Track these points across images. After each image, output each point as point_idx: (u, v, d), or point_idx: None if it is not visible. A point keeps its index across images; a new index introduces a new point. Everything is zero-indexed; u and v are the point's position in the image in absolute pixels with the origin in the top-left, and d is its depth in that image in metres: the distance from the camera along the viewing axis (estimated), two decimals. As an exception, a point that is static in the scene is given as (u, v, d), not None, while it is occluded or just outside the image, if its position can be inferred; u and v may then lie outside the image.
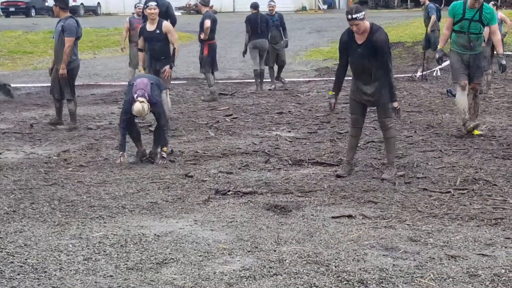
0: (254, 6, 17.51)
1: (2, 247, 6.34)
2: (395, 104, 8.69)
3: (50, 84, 13.24)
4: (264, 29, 17.37)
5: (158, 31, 12.54)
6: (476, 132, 11.28)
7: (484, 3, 10.97)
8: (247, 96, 16.51)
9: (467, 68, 11.09)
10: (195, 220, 7.19)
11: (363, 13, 8.48)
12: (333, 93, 9.02)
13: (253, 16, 17.32)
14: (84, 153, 10.55)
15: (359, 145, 9.67)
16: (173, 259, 6.03)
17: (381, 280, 5.47)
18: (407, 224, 6.98)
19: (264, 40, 17.44)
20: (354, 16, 8.41)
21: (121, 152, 9.80)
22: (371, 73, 8.67)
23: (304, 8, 55.72)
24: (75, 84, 12.77)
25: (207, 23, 15.92)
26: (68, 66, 12.31)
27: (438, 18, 19.71)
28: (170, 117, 13.08)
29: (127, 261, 6.00)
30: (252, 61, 17.61)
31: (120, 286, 5.42)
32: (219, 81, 18.11)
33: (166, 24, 12.69)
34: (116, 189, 8.51)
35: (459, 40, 11.06)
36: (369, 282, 5.43)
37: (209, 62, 16.16)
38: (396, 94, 8.84)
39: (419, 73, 19.58)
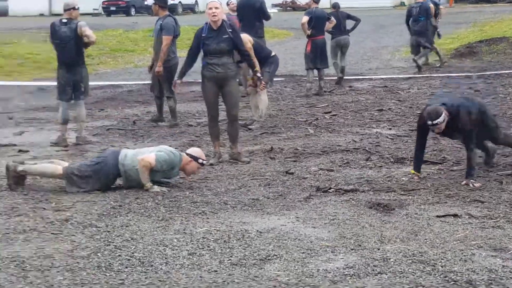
0: (334, 6, 18.34)
1: (110, 240, 6.50)
2: (464, 182, 8.36)
3: (150, 82, 13.48)
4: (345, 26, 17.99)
5: None
6: None
7: None
8: (346, 93, 16.43)
9: None
10: (297, 217, 7.21)
11: (443, 115, 8.15)
12: (414, 172, 8.71)
13: (333, 14, 17.45)
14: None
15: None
16: (276, 255, 6.06)
17: (490, 282, 5.37)
18: (515, 224, 6.83)
19: (346, 37, 17.84)
20: (435, 122, 8.15)
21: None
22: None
23: (402, 4, 55.03)
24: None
25: (303, 19, 16.00)
26: (166, 64, 12.50)
27: None
28: (268, 115, 13.15)
29: (231, 256, 6.06)
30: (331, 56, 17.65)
31: (224, 281, 5.48)
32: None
33: None
34: (218, 185, 8.61)
35: None
36: (478, 283, 5.34)
37: (311, 58, 16.18)
38: (472, 174, 8.40)
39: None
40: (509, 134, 9.37)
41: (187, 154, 8.52)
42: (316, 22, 16.16)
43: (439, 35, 21.38)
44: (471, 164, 8.36)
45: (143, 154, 8.33)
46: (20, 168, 8.37)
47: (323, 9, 17.28)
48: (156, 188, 8.29)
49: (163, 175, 8.42)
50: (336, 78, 18.00)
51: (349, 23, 18.25)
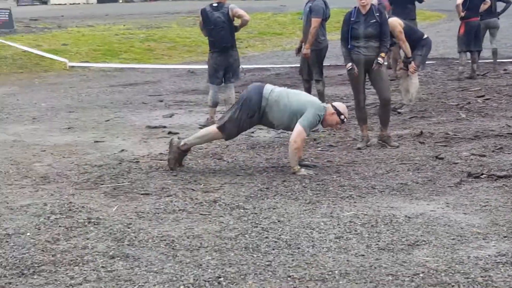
0: None
1: (257, 222, 6.56)
2: None
3: (298, 65, 13.50)
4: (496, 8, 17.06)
5: None
6: None
7: None
8: (500, 77, 15.93)
9: None
10: (447, 203, 7.04)
11: None
12: None
13: None
14: (333, 133, 10.65)
15: None
16: (425, 241, 5.94)
17: None
18: None
19: (496, 20, 17.04)
20: None
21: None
22: None
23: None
24: (324, 65, 12.90)
25: (458, 0, 15.59)
26: (316, 46, 12.44)
27: None
28: (418, 98, 12.91)
29: (378, 241, 5.99)
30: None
31: (372, 266, 5.42)
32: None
33: None
34: (366, 169, 8.53)
35: None
36: None
37: (464, 41, 15.77)
38: None
39: None
40: None
41: (332, 106, 8.52)
42: (471, 3, 15.70)
43: None
44: None
45: (291, 106, 8.37)
46: (182, 143, 8.57)
47: None
48: (304, 171, 8.30)
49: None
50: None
51: (500, 6, 17.61)
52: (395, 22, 11.64)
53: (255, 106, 8.43)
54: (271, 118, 8.46)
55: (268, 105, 8.41)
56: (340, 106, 8.63)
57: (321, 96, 12.76)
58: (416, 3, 16.30)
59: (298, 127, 8.28)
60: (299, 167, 8.31)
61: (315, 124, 8.42)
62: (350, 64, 9.59)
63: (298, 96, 8.56)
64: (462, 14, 15.73)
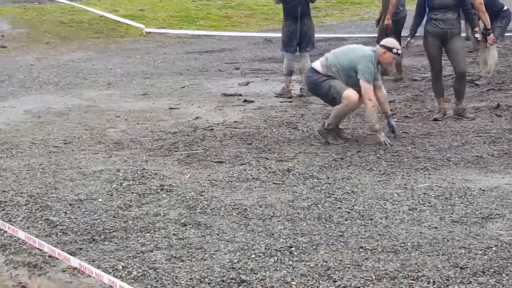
0: None
1: (330, 192, 6.59)
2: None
3: (376, 35, 13.39)
4: None
5: None
6: None
7: None
8: None
9: None
10: (523, 177, 6.96)
11: None
12: None
13: None
14: (409, 104, 10.59)
15: None
16: (499, 214, 5.90)
17: None
18: None
19: None
20: None
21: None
22: None
23: None
24: (402, 35, 12.78)
25: None
26: (395, 16, 12.33)
27: None
28: (496, 71, 12.68)
29: (452, 213, 5.97)
30: None
31: (444, 238, 5.41)
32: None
33: None
34: (441, 141, 8.46)
35: None
36: None
37: None
38: None
39: None
40: None
41: (381, 46, 8.49)
42: None
43: None
44: None
45: (342, 66, 8.41)
46: (326, 124, 8.57)
47: None
48: (383, 135, 8.30)
49: None
50: None
51: None
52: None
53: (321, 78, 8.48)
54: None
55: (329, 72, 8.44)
56: (388, 42, 8.59)
57: (398, 66, 12.67)
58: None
59: (362, 84, 8.26)
60: (380, 126, 8.32)
61: (373, 70, 8.31)
62: (408, 39, 9.76)
63: (346, 55, 8.53)
64: None
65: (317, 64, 8.58)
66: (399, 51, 8.56)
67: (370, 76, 8.26)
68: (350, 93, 8.34)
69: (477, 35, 9.75)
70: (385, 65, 8.71)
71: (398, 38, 12.17)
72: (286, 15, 11.55)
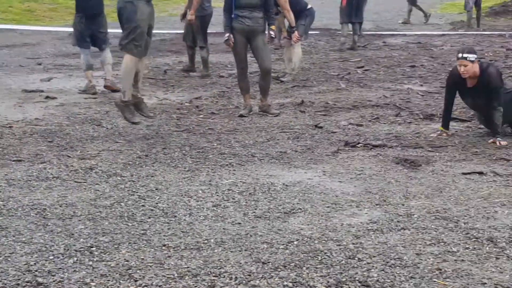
0: None
1: (134, 190, 6.47)
2: (490, 140, 8.21)
3: (183, 31, 13.38)
4: None
5: None
6: None
7: None
8: (380, 49, 16.25)
9: None
10: (324, 171, 7.13)
11: (475, 56, 8.04)
12: (443, 129, 8.60)
13: None
14: (216, 101, 10.64)
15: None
16: (300, 209, 5.99)
17: (511, 239, 5.27)
18: (542, 183, 6.70)
19: None
20: (465, 55, 7.98)
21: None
22: (490, 109, 8.28)
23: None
24: (208, 32, 12.84)
25: None
26: (201, 13, 12.36)
27: None
28: (301, 68, 13.01)
29: (255, 209, 6.00)
30: None
31: (247, 234, 5.42)
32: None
33: None
34: (246, 137, 8.54)
35: None
36: (499, 240, 5.24)
37: (346, 12, 15.98)
38: (497, 132, 8.28)
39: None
40: None
41: None
42: None
43: None
44: (496, 123, 8.23)
45: None
46: (122, 95, 8.35)
47: None
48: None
49: None
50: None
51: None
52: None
53: None
54: None
55: None
56: None
57: (205, 63, 12.72)
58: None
59: None
60: None
61: None
62: (227, 35, 9.63)
63: None
64: None
65: None
66: None
67: None
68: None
69: (271, 32, 9.91)
70: None
71: (205, 35, 12.25)
72: (78, 11, 11.26)
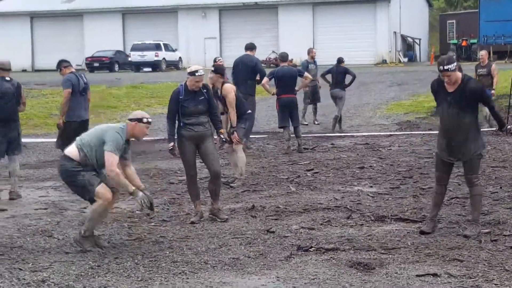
0: (338, 60, 20.85)
1: (87, 302, 6.41)
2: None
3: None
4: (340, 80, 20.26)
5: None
6: None
7: None
8: (328, 151, 16.46)
9: None
10: (278, 277, 7.15)
11: (455, 64, 8.46)
12: None
13: (332, 69, 20.47)
14: (167, 208, 10.65)
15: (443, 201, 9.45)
16: (255, 317, 5.99)
17: None
18: (494, 284, 6.80)
19: (339, 90, 20.03)
20: (446, 67, 8.39)
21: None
22: (460, 124, 8.53)
23: (384, 61, 55.56)
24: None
25: (264, 79, 16.13)
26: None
27: None
28: (250, 172, 13.11)
29: (209, 318, 5.98)
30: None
31: None
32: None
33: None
34: (198, 244, 8.54)
35: None
36: None
37: (281, 117, 16.31)
38: (503, 124, 9.01)
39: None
40: None
41: (129, 120, 8.46)
42: (280, 81, 16.17)
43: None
44: (500, 117, 8.93)
45: (93, 143, 8.26)
46: (82, 231, 8.34)
47: (293, 67, 17.54)
48: (141, 195, 8.30)
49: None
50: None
51: (348, 78, 20.24)
52: (231, 89, 11.90)
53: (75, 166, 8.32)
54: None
55: (88, 156, 8.30)
56: (136, 114, 8.62)
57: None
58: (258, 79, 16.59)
59: (106, 155, 8.16)
60: (134, 187, 8.25)
61: (121, 142, 8.26)
62: (171, 144, 9.83)
63: (96, 131, 8.46)
64: (274, 91, 16.27)
65: (71, 150, 8.35)
66: (150, 120, 8.57)
67: (115, 146, 8.17)
68: (102, 190, 8.23)
69: (221, 136, 10.12)
70: (141, 136, 8.60)
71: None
72: None
